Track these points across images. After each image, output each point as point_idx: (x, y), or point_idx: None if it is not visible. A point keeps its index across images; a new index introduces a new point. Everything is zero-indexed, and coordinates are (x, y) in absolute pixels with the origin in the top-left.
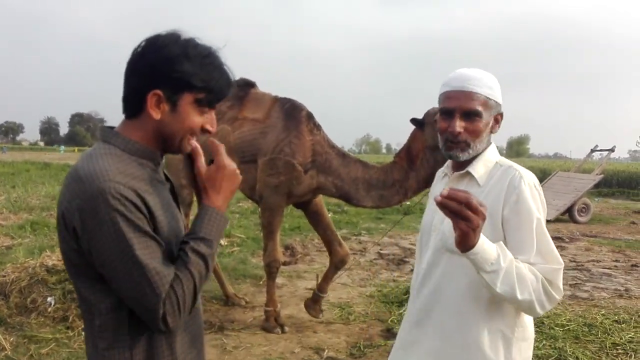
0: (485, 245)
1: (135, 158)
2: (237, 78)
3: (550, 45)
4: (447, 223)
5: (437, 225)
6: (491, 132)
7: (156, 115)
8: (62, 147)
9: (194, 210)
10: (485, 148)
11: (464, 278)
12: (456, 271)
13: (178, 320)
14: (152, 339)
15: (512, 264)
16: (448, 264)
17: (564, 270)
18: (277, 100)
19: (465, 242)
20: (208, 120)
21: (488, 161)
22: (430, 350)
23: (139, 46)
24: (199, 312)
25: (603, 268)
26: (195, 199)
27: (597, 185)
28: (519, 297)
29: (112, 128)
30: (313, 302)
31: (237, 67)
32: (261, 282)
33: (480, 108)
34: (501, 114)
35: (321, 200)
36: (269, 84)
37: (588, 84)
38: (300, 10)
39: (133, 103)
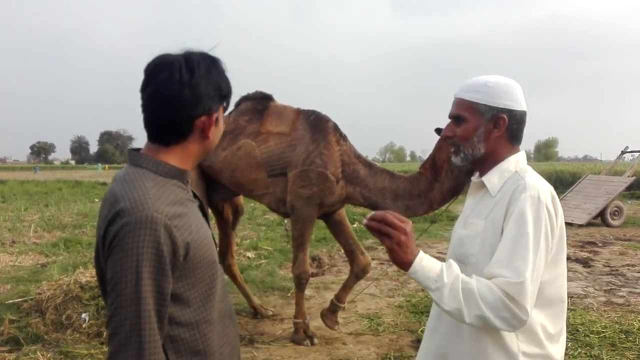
0: (425, 262)
1: (167, 180)
2: (253, 91)
3: (577, 47)
4: (455, 230)
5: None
6: (491, 136)
7: (211, 135)
8: (99, 165)
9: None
10: (505, 157)
11: None
12: None
13: None
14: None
15: (458, 280)
16: None
17: (598, 275)
18: (300, 112)
19: (395, 258)
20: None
21: (505, 171)
22: (438, 357)
23: (172, 80)
24: (234, 322)
25: (638, 272)
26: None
27: (629, 188)
28: (466, 314)
29: (138, 150)
30: (330, 312)
31: (256, 78)
32: (289, 294)
33: (464, 113)
34: (502, 117)
35: (343, 210)
36: (288, 95)
37: (617, 85)
38: (318, 20)
39: (177, 132)
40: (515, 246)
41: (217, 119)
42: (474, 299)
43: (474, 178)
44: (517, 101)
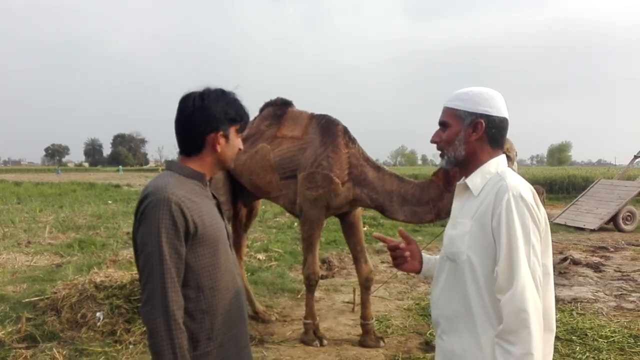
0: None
1: (188, 179)
2: (275, 98)
3: (590, 51)
4: (446, 231)
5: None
6: (470, 139)
7: (220, 149)
8: (121, 168)
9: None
10: (486, 160)
11: (457, 285)
12: (452, 279)
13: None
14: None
15: None
16: (448, 272)
17: (609, 280)
18: (313, 117)
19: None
20: (240, 142)
21: (487, 172)
22: (440, 352)
23: (188, 106)
24: (239, 295)
25: None
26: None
27: None
28: None
29: (173, 161)
30: (366, 334)
31: (272, 85)
32: (299, 296)
33: (448, 119)
34: (480, 122)
35: (359, 213)
36: (302, 101)
37: (630, 89)
38: (330, 27)
39: (193, 145)
40: (509, 255)
41: (227, 137)
42: None
43: (459, 181)
44: (496, 108)
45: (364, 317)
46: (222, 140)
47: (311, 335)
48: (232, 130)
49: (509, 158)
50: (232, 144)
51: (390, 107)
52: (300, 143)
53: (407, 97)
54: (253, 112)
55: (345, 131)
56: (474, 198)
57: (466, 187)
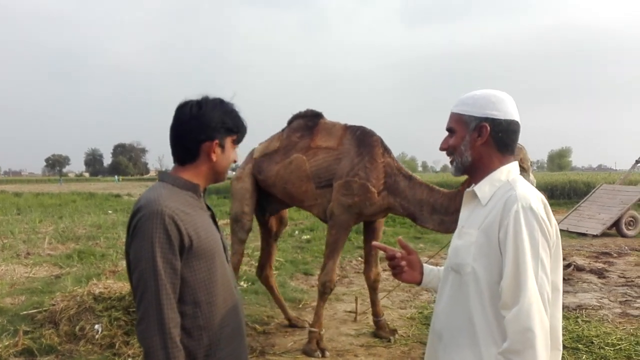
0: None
1: (181, 190)
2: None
3: (588, 55)
4: (452, 241)
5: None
6: (476, 144)
7: (215, 158)
8: (117, 177)
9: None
10: (497, 167)
11: (461, 298)
12: (456, 291)
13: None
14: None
15: None
16: (452, 283)
17: (613, 286)
18: (347, 128)
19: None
20: (236, 154)
21: (496, 180)
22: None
23: (184, 113)
24: (237, 309)
25: None
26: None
27: None
28: None
29: (166, 172)
30: (380, 329)
31: (266, 93)
32: (300, 306)
33: (454, 125)
34: (484, 125)
35: (383, 221)
36: (298, 108)
37: (630, 93)
38: (325, 34)
39: (188, 153)
40: (515, 271)
41: (222, 146)
42: None
43: (468, 189)
44: (502, 110)
45: (376, 314)
46: (217, 150)
47: (314, 345)
48: (228, 141)
49: (522, 169)
50: (227, 154)
51: (390, 113)
52: (336, 153)
53: (406, 104)
54: (251, 122)
55: (381, 141)
56: (482, 207)
57: (474, 195)
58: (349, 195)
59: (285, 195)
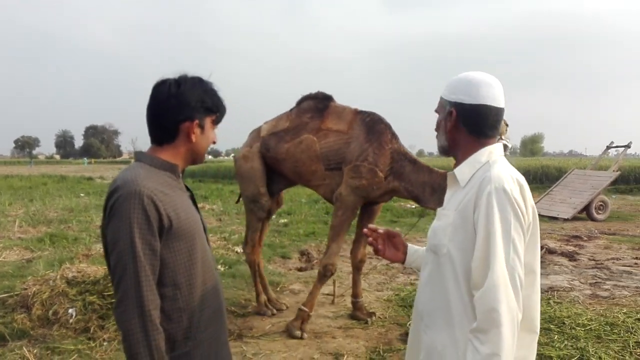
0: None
1: (159, 170)
2: (315, 92)
3: (563, 42)
4: (434, 222)
5: None
6: (447, 128)
7: (194, 139)
8: (85, 160)
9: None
10: (476, 150)
11: (438, 279)
12: (435, 272)
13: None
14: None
15: None
16: (432, 265)
17: (583, 268)
18: (357, 113)
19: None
20: (215, 135)
21: (477, 162)
22: (421, 345)
23: (162, 92)
24: (217, 291)
25: (623, 266)
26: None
27: (614, 182)
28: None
29: (143, 152)
30: (357, 310)
31: (251, 77)
32: (278, 289)
33: (437, 108)
34: (451, 110)
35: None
36: (283, 93)
37: (602, 80)
38: (305, 17)
39: (166, 133)
40: (486, 250)
41: (202, 127)
42: None
43: (449, 171)
44: (470, 95)
45: (355, 295)
46: (197, 130)
47: (298, 324)
48: (207, 121)
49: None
50: (207, 135)
51: (369, 100)
52: (346, 137)
53: (386, 90)
54: (231, 105)
55: (389, 127)
56: (461, 189)
57: (455, 177)
58: (357, 178)
59: (294, 174)
